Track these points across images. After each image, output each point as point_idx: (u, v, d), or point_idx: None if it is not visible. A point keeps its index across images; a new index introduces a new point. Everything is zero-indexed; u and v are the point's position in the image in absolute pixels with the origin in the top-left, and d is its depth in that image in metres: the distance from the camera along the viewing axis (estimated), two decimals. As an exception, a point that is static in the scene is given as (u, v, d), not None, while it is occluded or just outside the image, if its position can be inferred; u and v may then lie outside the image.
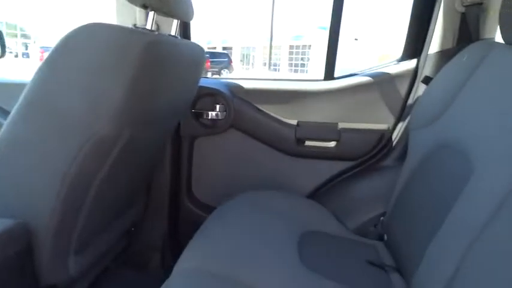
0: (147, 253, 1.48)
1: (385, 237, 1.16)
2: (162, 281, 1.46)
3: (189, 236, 1.50)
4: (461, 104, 1.01)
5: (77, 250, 0.95)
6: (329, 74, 1.44)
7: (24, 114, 0.78)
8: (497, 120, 0.82)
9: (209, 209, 1.45)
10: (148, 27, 0.93)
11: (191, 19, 1.06)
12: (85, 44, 0.77)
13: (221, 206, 1.21)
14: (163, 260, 1.51)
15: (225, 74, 14.79)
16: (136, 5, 0.93)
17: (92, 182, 0.87)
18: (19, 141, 0.80)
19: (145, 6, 0.91)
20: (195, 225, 1.46)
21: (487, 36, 1.21)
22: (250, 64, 28.44)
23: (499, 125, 0.80)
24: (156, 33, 0.94)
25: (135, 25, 1.28)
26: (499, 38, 1.16)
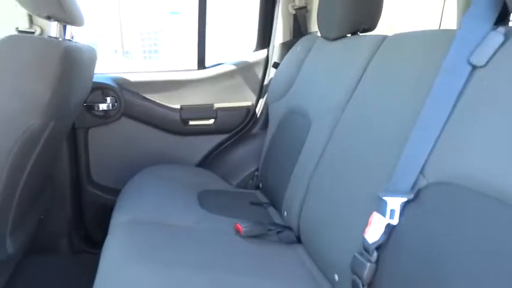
0: (55, 239, 1.60)
1: (260, 185, 1.56)
2: (73, 263, 1.63)
3: (95, 218, 1.66)
4: (300, 81, 1.44)
5: (11, 232, 1.08)
6: (201, 64, 1.75)
7: None
8: (323, 88, 1.26)
9: (111, 191, 1.64)
10: (53, 35, 1.09)
11: (84, 24, 1.24)
12: (10, 53, 0.92)
13: (130, 181, 1.42)
14: (71, 244, 1.64)
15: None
16: (41, 17, 1.08)
17: (25, 168, 1.02)
18: None
19: (49, 17, 1.06)
20: (99, 207, 1.64)
21: (312, 29, 1.68)
22: (99, 52, 26.67)
23: (323, 92, 1.24)
24: (60, 39, 1.11)
25: (17, 29, 1.38)
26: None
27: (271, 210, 1.38)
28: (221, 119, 1.73)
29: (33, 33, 1.37)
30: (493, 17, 0.71)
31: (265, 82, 1.75)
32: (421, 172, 0.72)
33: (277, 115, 1.52)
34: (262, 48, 1.76)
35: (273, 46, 1.71)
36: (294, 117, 1.38)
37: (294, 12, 1.65)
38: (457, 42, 0.73)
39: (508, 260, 0.52)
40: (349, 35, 1.28)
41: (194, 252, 0.96)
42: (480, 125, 0.65)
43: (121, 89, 1.61)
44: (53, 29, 1.09)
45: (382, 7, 1.22)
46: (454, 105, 0.71)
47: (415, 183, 0.73)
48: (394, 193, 0.75)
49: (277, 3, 1.65)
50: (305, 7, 1.62)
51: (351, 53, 1.18)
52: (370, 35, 1.17)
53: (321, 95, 1.24)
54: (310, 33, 1.63)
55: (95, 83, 1.55)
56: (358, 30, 1.26)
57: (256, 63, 1.74)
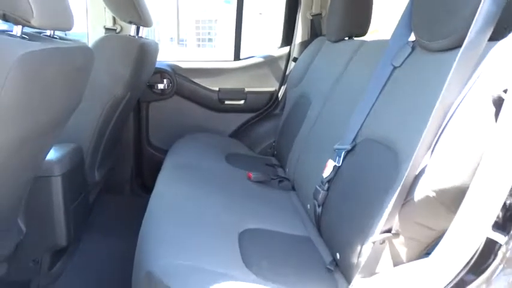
0: (120, 184, 2.15)
1: (275, 153, 2.00)
2: (132, 203, 2.16)
3: (149, 171, 2.18)
4: (310, 74, 1.85)
5: (98, 167, 1.62)
6: (237, 56, 2.21)
7: None
8: (321, 78, 1.66)
9: (163, 151, 2.14)
10: (132, 34, 1.60)
11: (152, 25, 1.73)
12: (106, 47, 1.43)
13: (175, 143, 1.92)
14: (132, 188, 2.19)
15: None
16: (124, 21, 1.59)
17: (109, 124, 1.54)
18: None
19: (130, 22, 1.57)
20: (154, 163, 2.16)
21: (325, 32, 2.07)
22: (157, 39, 27.94)
23: (321, 81, 1.65)
24: (136, 37, 1.61)
25: (104, 26, 1.90)
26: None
27: (280, 170, 1.82)
28: (250, 100, 2.18)
29: (115, 29, 1.89)
30: (408, 36, 1.10)
31: (287, 73, 2.17)
32: (358, 133, 1.13)
33: (292, 99, 1.94)
34: (286, 45, 2.18)
35: (294, 44, 2.13)
36: (302, 101, 1.80)
37: (311, 18, 2.06)
38: (387, 50, 1.13)
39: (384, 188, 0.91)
40: (346, 39, 1.67)
41: (216, 184, 1.43)
42: (392, 104, 1.06)
43: (174, 73, 2.11)
44: (132, 30, 1.60)
45: (370, 18, 1.61)
46: (380, 92, 1.12)
47: (353, 140, 1.14)
48: (342, 146, 1.16)
49: (299, 10, 2.07)
50: (320, 14, 2.02)
51: (342, 53, 1.58)
52: (356, 40, 1.56)
53: (320, 83, 1.66)
54: (323, 35, 2.02)
55: (155, 68, 2.06)
56: (352, 35, 1.65)
57: (280, 57, 2.17)
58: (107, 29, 1.90)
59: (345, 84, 1.43)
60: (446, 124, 0.76)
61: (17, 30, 0.74)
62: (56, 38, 0.91)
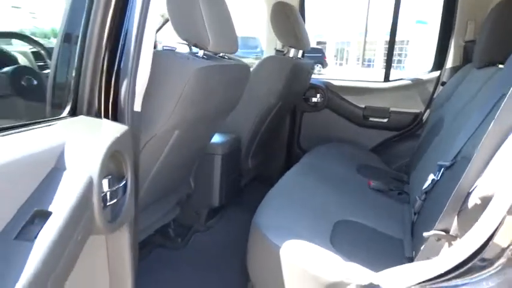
0: (272, 177, 2.59)
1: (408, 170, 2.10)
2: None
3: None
4: (452, 98, 1.91)
5: (251, 156, 2.08)
6: (387, 78, 2.38)
7: None
8: (458, 106, 1.72)
9: None
10: (291, 55, 2.01)
11: (308, 49, 2.10)
12: (268, 65, 1.87)
13: (317, 147, 2.24)
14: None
15: (318, 69, 15.91)
16: (286, 45, 2.02)
17: (263, 124, 1.99)
18: None
19: (291, 46, 1.98)
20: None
21: (476, 59, 2.05)
22: (344, 59, 28.71)
23: (457, 108, 1.71)
24: (292, 57, 2.02)
25: (275, 48, 2.38)
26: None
27: (406, 186, 1.93)
28: (393, 119, 2.33)
29: (283, 51, 2.35)
30: None
31: (434, 96, 2.23)
32: (459, 152, 1.24)
33: (431, 121, 2.02)
34: (437, 69, 2.25)
35: (445, 69, 2.18)
36: (438, 123, 1.88)
37: (463, 44, 2.08)
38: (500, 77, 1.21)
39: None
40: (490, 66, 1.69)
41: (336, 184, 1.69)
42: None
43: (327, 89, 2.44)
44: (291, 52, 2.02)
45: None
46: (486, 116, 1.20)
47: (454, 158, 1.25)
48: (443, 162, 1.29)
49: (452, 36, 2.12)
50: (474, 41, 2.03)
51: (480, 79, 1.62)
52: (493, 67, 1.58)
53: (455, 108, 1.72)
54: (476, 61, 2.02)
55: (311, 84, 2.43)
56: (496, 63, 1.66)
57: (428, 81, 2.25)
58: (277, 51, 2.38)
59: (470, 109, 1.49)
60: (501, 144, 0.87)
61: (200, 53, 1.20)
62: (225, 58, 1.36)
